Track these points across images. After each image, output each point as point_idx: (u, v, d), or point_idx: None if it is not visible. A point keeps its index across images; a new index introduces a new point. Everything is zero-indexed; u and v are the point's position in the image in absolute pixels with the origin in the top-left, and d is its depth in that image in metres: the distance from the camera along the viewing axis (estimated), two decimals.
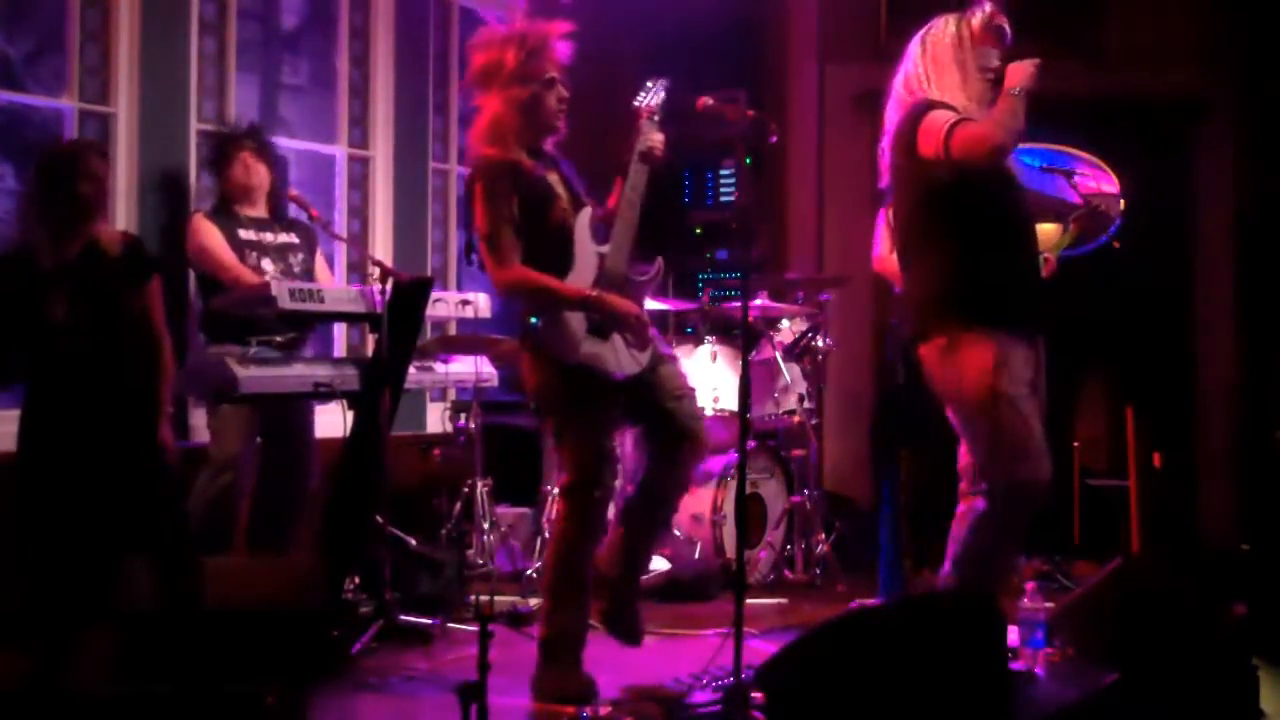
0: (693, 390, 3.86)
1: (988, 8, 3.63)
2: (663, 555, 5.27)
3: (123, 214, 4.84)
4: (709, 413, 5.36)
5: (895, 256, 3.97)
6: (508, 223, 3.61)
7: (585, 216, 3.71)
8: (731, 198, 6.50)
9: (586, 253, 3.67)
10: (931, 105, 3.55)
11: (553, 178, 3.74)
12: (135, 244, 3.96)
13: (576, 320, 3.62)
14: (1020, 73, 3.51)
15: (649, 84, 3.77)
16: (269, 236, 4.72)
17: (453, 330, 5.78)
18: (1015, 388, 3.47)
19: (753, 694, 3.08)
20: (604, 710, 3.48)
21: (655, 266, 3.81)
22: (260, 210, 4.75)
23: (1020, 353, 3.53)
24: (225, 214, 4.69)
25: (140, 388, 3.79)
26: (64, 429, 3.64)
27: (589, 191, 3.82)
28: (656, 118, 3.70)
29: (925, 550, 4.88)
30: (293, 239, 4.79)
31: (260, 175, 4.75)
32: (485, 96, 3.68)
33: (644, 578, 5.08)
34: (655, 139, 3.70)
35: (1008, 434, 3.45)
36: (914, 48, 3.66)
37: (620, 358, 3.65)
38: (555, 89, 3.68)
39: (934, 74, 3.60)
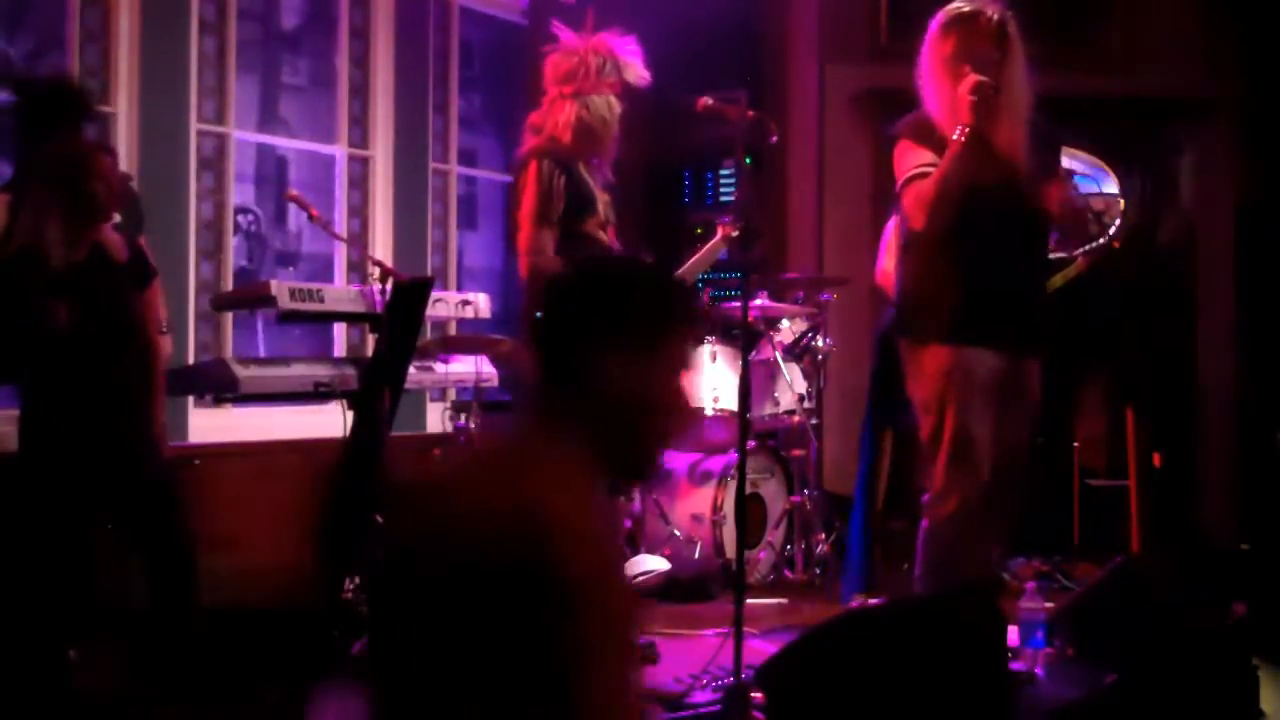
0: None
1: (983, 7, 3.46)
2: (663, 555, 5.27)
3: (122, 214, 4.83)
4: (709, 413, 5.36)
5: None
6: (552, 210, 3.71)
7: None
8: (731, 198, 6.51)
9: None
10: (912, 129, 3.50)
11: (599, 193, 3.96)
12: (138, 248, 3.94)
13: None
14: (959, 105, 3.33)
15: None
16: None
17: (453, 330, 5.77)
18: (969, 395, 3.48)
19: (753, 694, 3.08)
20: None
21: None
22: None
23: (988, 366, 3.51)
24: None
25: (138, 390, 3.77)
26: (65, 431, 3.62)
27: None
28: (735, 234, 4.21)
29: (902, 540, 4.82)
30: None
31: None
32: (563, 91, 3.87)
33: (644, 578, 5.12)
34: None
35: (949, 438, 3.48)
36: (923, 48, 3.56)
37: None
38: (616, 127, 3.97)
39: (928, 80, 3.52)
